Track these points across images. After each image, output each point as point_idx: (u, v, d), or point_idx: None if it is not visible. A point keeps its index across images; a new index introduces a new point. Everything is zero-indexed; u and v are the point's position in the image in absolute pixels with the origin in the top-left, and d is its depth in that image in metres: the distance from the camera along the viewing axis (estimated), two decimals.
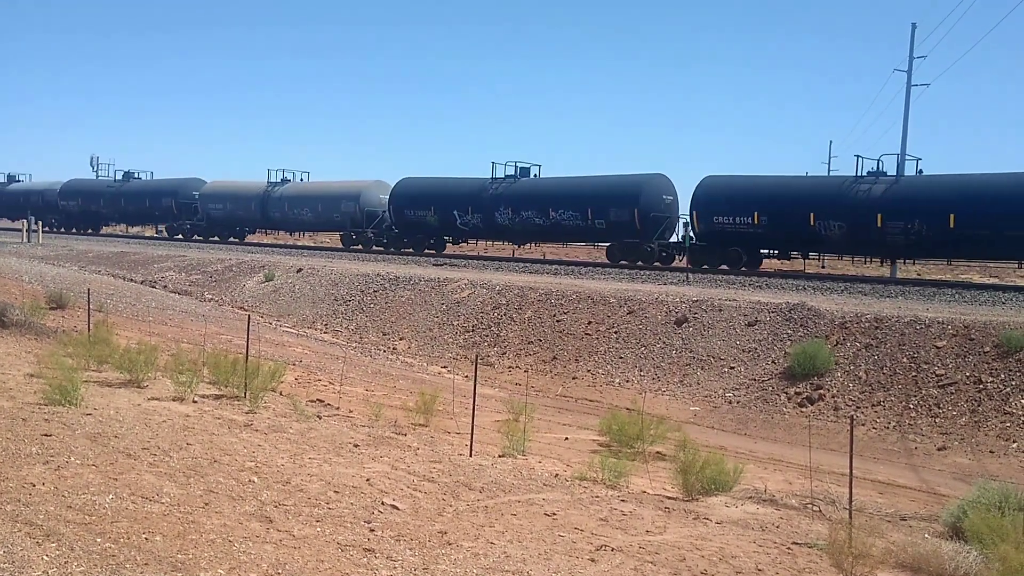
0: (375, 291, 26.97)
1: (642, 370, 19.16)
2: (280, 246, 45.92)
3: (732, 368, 18.28)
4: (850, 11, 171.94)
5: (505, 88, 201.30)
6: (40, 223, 48.91)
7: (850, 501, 8.08)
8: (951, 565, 6.45)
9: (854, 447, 8.18)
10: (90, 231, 58.06)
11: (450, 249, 41.21)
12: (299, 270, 30.98)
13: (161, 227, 55.71)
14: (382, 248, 41.54)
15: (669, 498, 8.87)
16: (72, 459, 7.67)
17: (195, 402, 11.13)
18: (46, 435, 8.41)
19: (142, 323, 20.35)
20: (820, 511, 8.93)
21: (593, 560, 6.33)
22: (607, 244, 35.36)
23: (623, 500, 8.33)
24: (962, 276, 33.05)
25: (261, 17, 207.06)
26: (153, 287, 31.04)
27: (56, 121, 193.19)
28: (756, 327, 19.28)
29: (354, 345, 23.34)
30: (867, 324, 18.00)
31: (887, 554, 6.71)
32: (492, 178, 37.96)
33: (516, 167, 38.12)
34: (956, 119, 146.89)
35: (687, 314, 20.43)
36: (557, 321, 21.94)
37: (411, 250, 39.42)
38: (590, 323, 21.39)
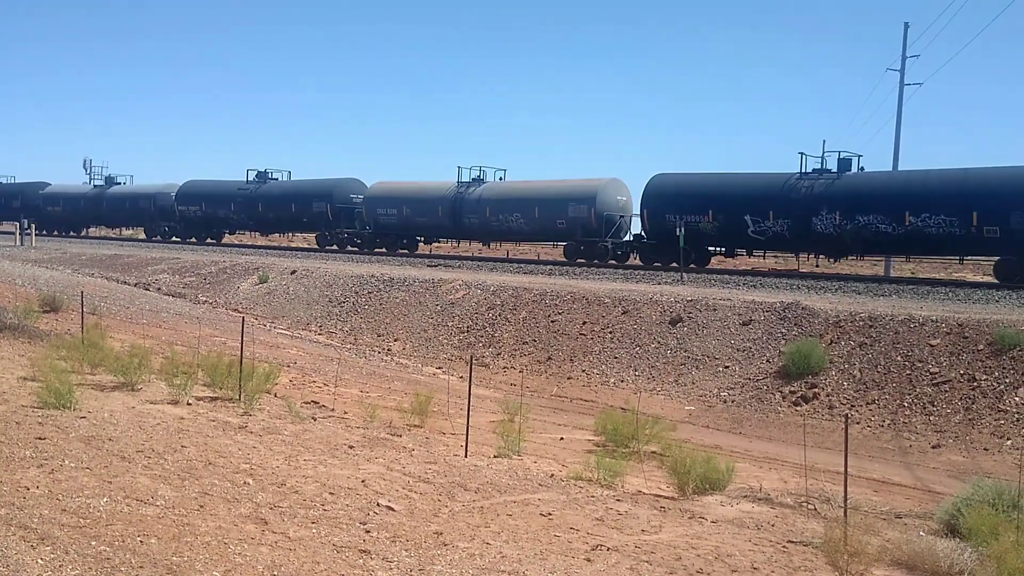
0: (369, 292, 26.95)
1: (637, 370, 19.17)
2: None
3: (727, 367, 18.31)
4: (843, 11, 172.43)
5: (483, 89, 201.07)
6: (31, 224, 48.70)
7: (845, 499, 8.09)
8: (946, 563, 6.47)
9: (849, 445, 8.21)
10: (210, 241, 50.52)
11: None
12: (293, 272, 30.94)
13: (308, 235, 49.13)
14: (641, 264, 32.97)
15: (664, 497, 8.88)
16: (66, 462, 7.64)
17: (189, 404, 11.11)
18: (40, 438, 8.38)
19: (136, 326, 20.30)
20: (815, 509, 8.94)
21: (589, 560, 6.33)
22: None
23: (619, 500, 8.33)
24: (956, 275, 33.13)
25: (258, 16, 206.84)
26: (147, 290, 30.97)
27: (41, 122, 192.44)
28: (751, 326, 19.31)
29: (349, 346, 23.32)
30: (861, 323, 18.04)
31: (882, 552, 6.73)
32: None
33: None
34: (949, 118, 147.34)
35: (682, 313, 20.46)
36: (552, 321, 21.95)
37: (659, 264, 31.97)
38: (585, 323, 21.40)
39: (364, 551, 6.09)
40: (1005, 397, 14.88)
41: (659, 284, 25.23)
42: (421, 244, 42.60)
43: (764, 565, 6.51)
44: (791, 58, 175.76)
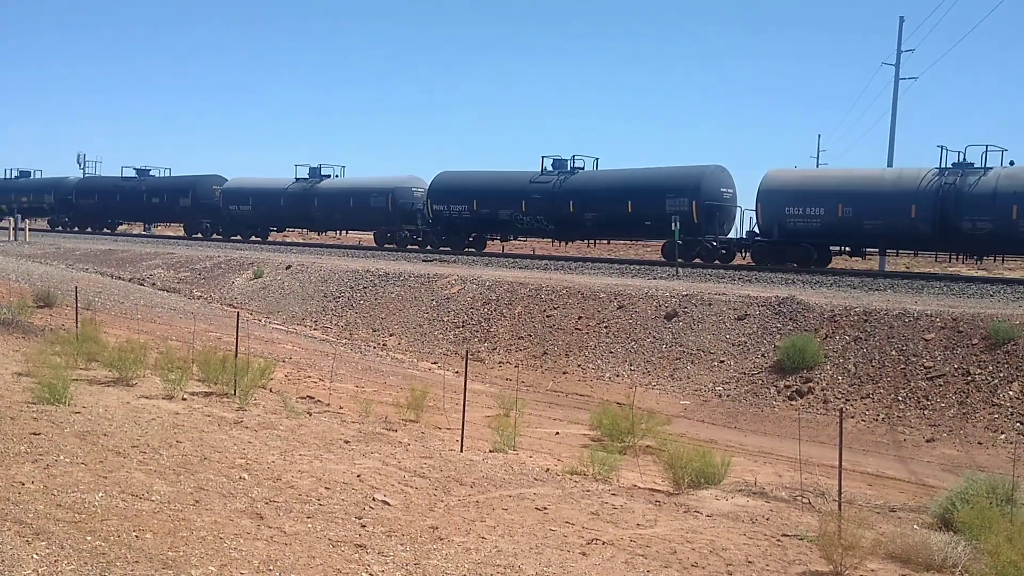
0: (365, 287, 26.93)
1: (632, 364, 19.19)
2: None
3: (722, 362, 18.34)
4: (838, 5, 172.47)
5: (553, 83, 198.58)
6: (27, 221, 48.47)
7: (839, 493, 8.11)
8: (940, 556, 6.49)
9: (843, 439, 8.22)
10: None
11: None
12: (288, 267, 30.91)
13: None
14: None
15: (660, 492, 8.89)
16: (61, 457, 7.64)
17: (185, 400, 11.10)
18: (35, 433, 8.37)
19: (130, 321, 20.26)
20: (810, 503, 8.97)
21: (584, 554, 6.34)
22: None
23: (614, 494, 8.34)
24: (950, 269, 33.18)
25: (252, 14, 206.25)
26: (141, 285, 30.90)
27: (32, 114, 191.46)
28: (746, 321, 19.34)
29: (344, 342, 23.31)
30: (856, 317, 18.08)
31: (876, 545, 6.75)
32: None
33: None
34: (944, 112, 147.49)
35: (677, 308, 20.48)
36: (547, 316, 21.95)
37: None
38: (580, 318, 21.41)
39: (360, 545, 6.10)
40: (999, 391, 14.93)
41: (654, 279, 25.26)
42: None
43: (759, 559, 6.53)
44: (779, 52, 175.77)
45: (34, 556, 5.35)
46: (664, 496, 8.62)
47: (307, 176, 45.27)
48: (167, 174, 54.12)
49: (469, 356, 16.17)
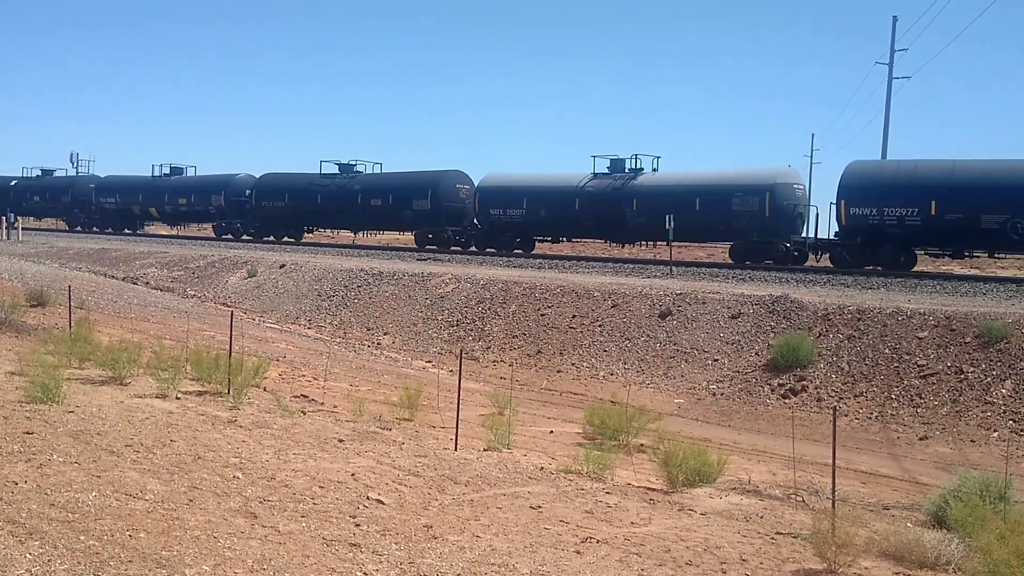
0: (359, 286, 26.91)
1: (626, 363, 19.21)
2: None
3: (716, 360, 18.36)
4: (831, 4, 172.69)
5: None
6: (19, 219, 48.25)
7: (833, 491, 8.13)
8: (933, 554, 6.51)
9: (837, 438, 8.25)
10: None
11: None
12: (282, 266, 30.86)
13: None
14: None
15: (654, 490, 8.90)
16: (55, 457, 7.62)
17: (178, 399, 11.08)
18: (28, 433, 8.35)
19: (124, 320, 20.22)
20: (803, 501, 8.99)
21: (579, 552, 6.35)
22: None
23: (608, 492, 8.35)
24: (943, 267, 33.28)
25: (247, 13, 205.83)
26: (135, 284, 30.83)
27: (25, 113, 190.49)
28: (739, 319, 19.37)
29: (338, 340, 23.29)
30: (850, 316, 18.12)
31: (870, 543, 6.77)
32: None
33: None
34: (937, 111, 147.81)
35: (671, 307, 20.50)
36: (541, 315, 21.96)
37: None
38: (574, 317, 21.42)
39: (354, 544, 6.10)
40: (992, 389, 14.98)
41: (648, 278, 25.28)
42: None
43: (752, 557, 6.54)
44: (772, 51, 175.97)
45: (27, 556, 5.34)
46: (658, 494, 8.63)
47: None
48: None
49: (463, 355, 16.15)
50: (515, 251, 35.54)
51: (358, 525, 6.56)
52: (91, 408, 9.86)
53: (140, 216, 53.11)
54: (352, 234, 45.20)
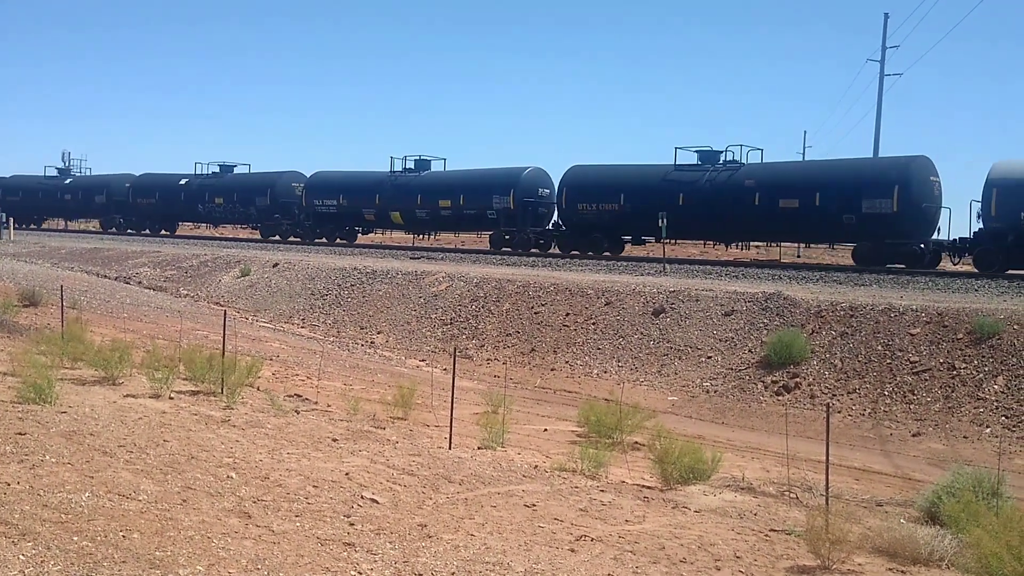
0: (352, 285, 26.88)
1: (620, 361, 19.23)
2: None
3: (709, 358, 18.39)
4: (823, 2, 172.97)
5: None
6: (11, 219, 48.00)
7: (827, 488, 8.15)
8: (926, 550, 6.53)
9: (830, 434, 8.26)
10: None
11: None
12: (275, 265, 30.82)
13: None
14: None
15: (648, 487, 8.92)
16: (47, 457, 7.59)
17: (171, 398, 11.05)
18: (20, 433, 8.32)
19: (116, 320, 20.17)
20: (797, 498, 9.01)
21: (573, 550, 6.35)
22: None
23: (602, 490, 8.36)
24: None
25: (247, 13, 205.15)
26: (127, 283, 30.77)
27: (12, 114, 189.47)
28: (733, 317, 19.40)
29: (331, 339, 23.27)
30: (842, 312, 18.16)
31: (864, 539, 6.79)
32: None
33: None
34: (929, 107, 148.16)
35: (664, 304, 20.52)
36: (535, 313, 21.97)
37: None
38: (568, 314, 21.43)
39: (348, 544, 6.09)
40: (984, 385, 15.03)
41: (642, 275, 25.31)
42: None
43: (747, 554, 6.56)
44: (763, 48, 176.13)
45: (20, 557, 5.32)
46: (652, 492, 8.65)
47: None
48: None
49: (457, 353, 16.17)
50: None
51: (352, 524, 6.55)
52: (84, 408, 9.82)
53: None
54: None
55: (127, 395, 11.00)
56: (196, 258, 34.23)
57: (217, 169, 49.81)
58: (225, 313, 15.42)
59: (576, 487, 8.39)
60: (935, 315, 17.06)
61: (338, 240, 41.72)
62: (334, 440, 9.57)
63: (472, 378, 18.89)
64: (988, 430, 14.10)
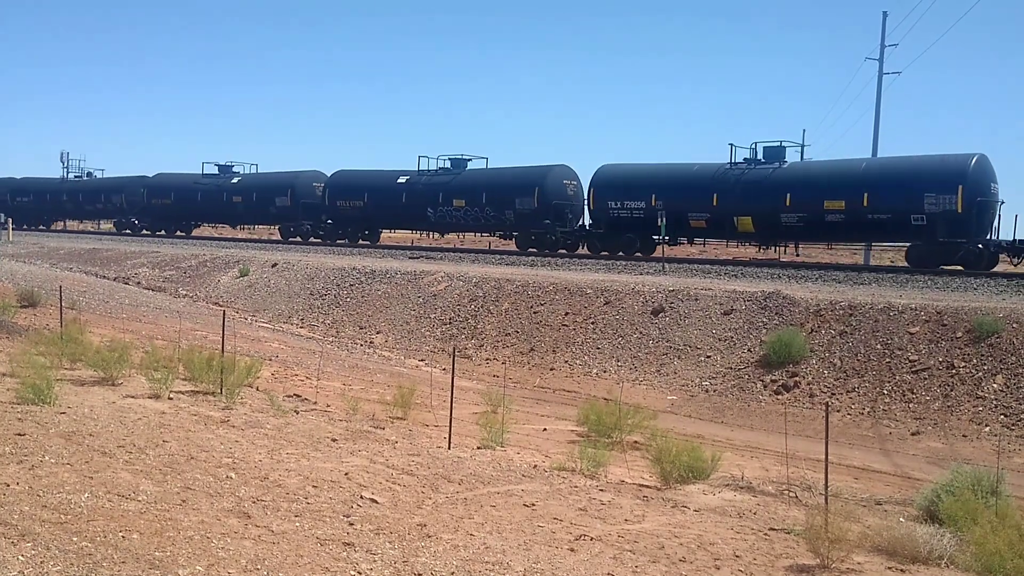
0: (351, 285, 26.87)
1: (619, 360, 19.22)
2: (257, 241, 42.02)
3: (708, 357, 18.39)
4: (822, 0, 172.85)
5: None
6: (10, 220, 47.93)
7: (826, 487, 8.16)
8: (926, 548, 6.54)
9: (829, 433, 8.26)
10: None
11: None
12: (274, 265, 30.80)
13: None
14: None
15: (647, 487, 8.92)
16: (47, 458, 7.59)
17: (170, 399, 11.04)
18: (20, 434, 8.32)
19: (115, 320, 20.16)
20: (796, 497, 9.02)
21: (572, 550, 6.35)
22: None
23: (602, 490, 8.36)
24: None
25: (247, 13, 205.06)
26: (126, 284, 30.76)
27: (12, 115, 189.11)
28: (732, 316, 19.40)
29: (331, 339, 23.25)
30: (841, 311, 18.16)
31: (863, 538, 6.79)
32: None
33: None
34: (928, 106, 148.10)
35: (664, 304, 20.51)
36: (534, 312, 21.96)
37: None
38: (567, 314, 21.43)
39: (348, 544, 6.09)
40: (983, 384, 15.03)
41: (641, 275, 25.28)
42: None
43: (746, 553, 6.56)
44: (763, 47, 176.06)
45: (20, 558, 5.32)
46: (652, 491, 8.65)
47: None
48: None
49: (456, 353, 16.17)
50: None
51: (352, 524, 6.55)
52: (83, 409, 9.82)
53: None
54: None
55: (126, 396, 10.99)
56: (195, 258, 34.21)
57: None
58: (224, 313, 15.42)
59: (575, 486, 8.39)
60: (934, 314, 17.06)
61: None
62: (333, 440, 9.57)
63: (471, 378, 18.89)
64: (987, 429, 14.10)
